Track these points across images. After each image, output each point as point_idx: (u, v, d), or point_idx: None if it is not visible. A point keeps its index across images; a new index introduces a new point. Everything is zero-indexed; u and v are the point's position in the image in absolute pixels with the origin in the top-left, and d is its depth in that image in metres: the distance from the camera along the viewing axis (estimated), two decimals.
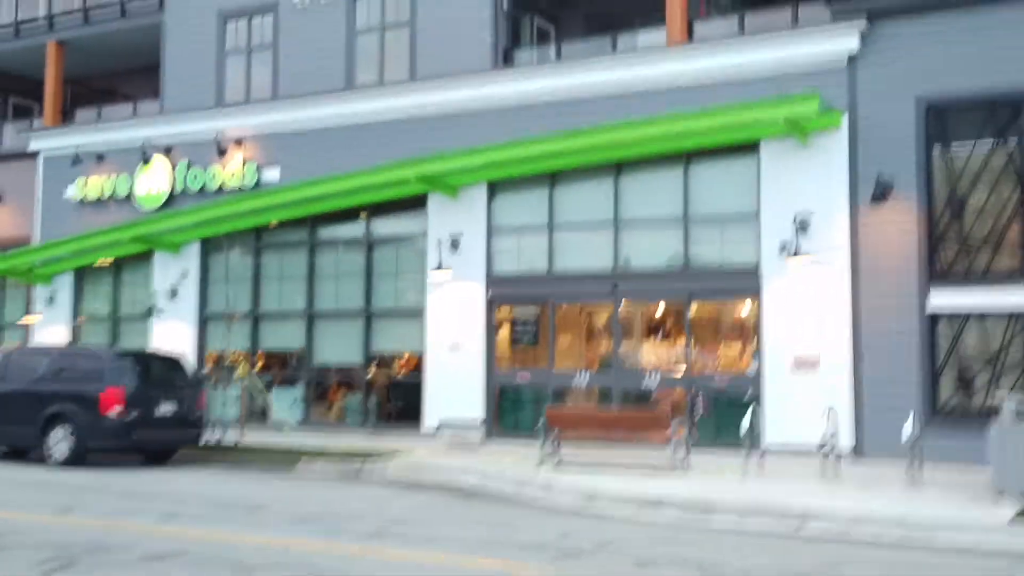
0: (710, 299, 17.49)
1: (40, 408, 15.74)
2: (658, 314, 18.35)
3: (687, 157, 17.35)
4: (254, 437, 18.45)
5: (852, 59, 16.19)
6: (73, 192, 23.34)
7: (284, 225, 21.02)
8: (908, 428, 13.18)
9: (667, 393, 17.39)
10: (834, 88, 16.23)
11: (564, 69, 18.35)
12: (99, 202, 22.99)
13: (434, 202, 19.31)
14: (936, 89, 15.64)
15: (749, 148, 16.88)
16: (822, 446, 13.67)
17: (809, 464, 14.15)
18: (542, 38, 20.77)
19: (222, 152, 21.35)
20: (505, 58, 19.49)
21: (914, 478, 12.90)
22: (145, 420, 15.66)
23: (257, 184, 20.92)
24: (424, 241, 19.39)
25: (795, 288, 16.31)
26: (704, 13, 18.86)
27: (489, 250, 18.89)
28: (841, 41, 16.22)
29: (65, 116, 25.15)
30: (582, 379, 18.06)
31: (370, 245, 20.25)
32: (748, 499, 11.59)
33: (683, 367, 17.27)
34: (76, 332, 23.46)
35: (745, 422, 13.68)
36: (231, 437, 18.09)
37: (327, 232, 20.79)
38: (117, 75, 26.37)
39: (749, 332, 17.08)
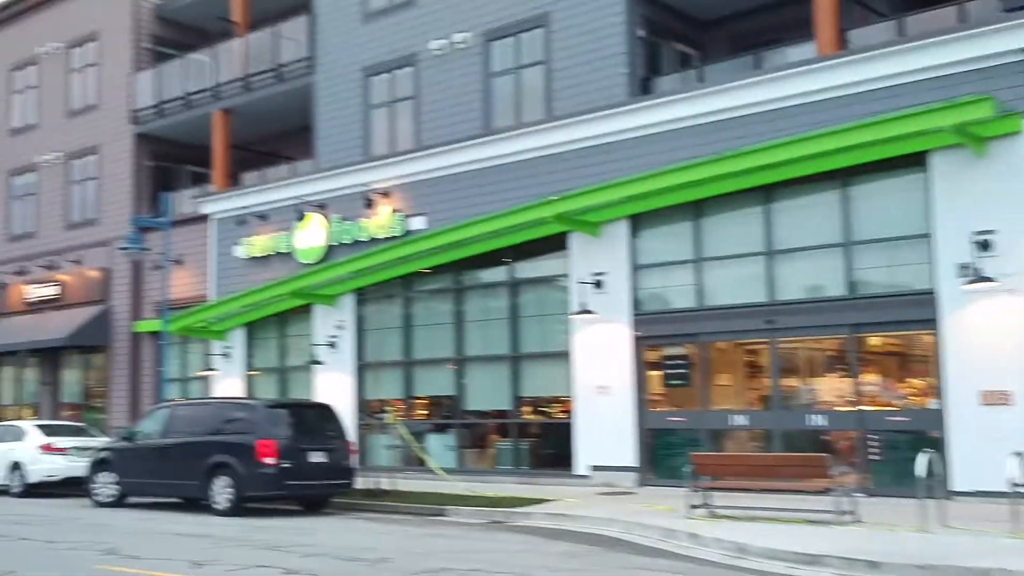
0: (879, 330, 15.53)
1: (203, 459, 15.76)
2: (821, 348, 16.53)
3: (845, 175, 15.61)
4: (409, 484, 17.84)
5: None
6: (241, 251, 23.81)
7: (431, 272, 20.53)
8: None
9: (839, 434, 15.57)
10: (1013, 90, 14.17)
11: (705, 92, 16.98)
12: (264, 259, 23.25)
13: (575, 241, 18.28)
14: None
15: (916, 162, 14.94)
16: (1014, 491, 11.57)
17: (1001, 513, 12.04)
18: (684, 64, 19.53)
19: (369, 205, 21.18)
20: (644, 88, 18.37)
21: None
22: (297, 469, 15.39)
23: (404, 233, 20.56)
24: (568, 281, 18.40)
25: (979, 314, 14.18)
26: (859, 20, 17.12)
27: (634, 288, 17.63)
28: (1018, 36, 14.18)
29: (234, 180, 25.83)
30: (740, 420, 16.46)
31: (515, 288, 19.40)
32: (922, 555, 9.77)
33: (851, 405, 15.39)
34: (249, 384, 23.82)
35: (920, 465, 11.78)
36: (385, 483, 17.51)
37: (472, 277, 20.07)
38: (279, 137, 26.86)
39: (927, 365, 15.03)
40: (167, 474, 16.46)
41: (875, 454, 14.93)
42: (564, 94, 18.92)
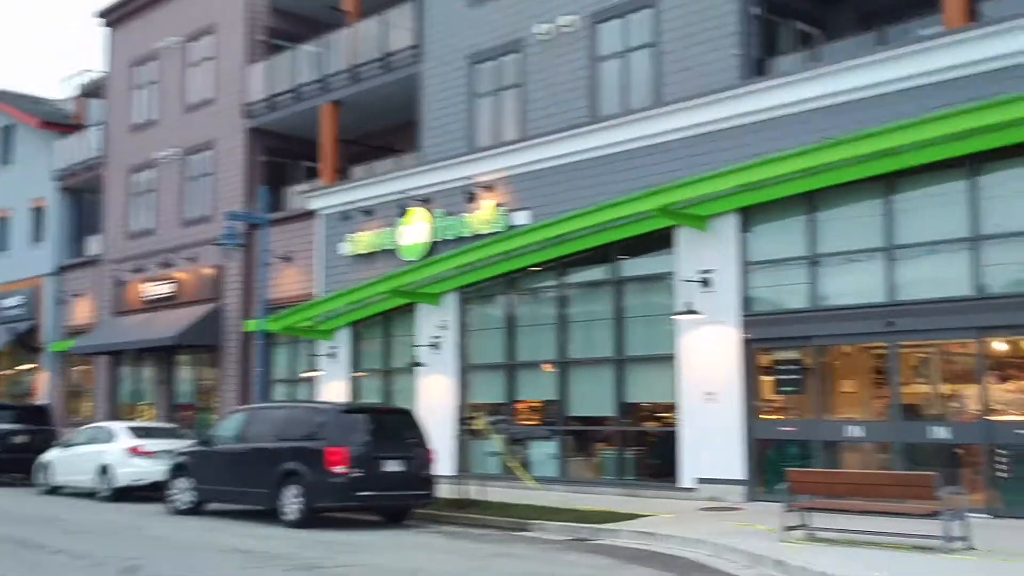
0: (1011, 333, 15.05)
1: (274, 466, 16.09)
2: (947, 352, 16.15)
3: (974, 162, 15.24)
4: (502, 493, 18.26)
5: None
6: (347, 248, 24.94)
7: (535, 270, 21.04)
8: None
9: (966, 448, 15.22)
10: None
11: (821, 73, 16.80)
12: (369, 256, 24.23)
13: (682, 237, 18.43)
14: None
15: None
16: None
17: None
18: (806, 45, 19.34)
19: (472, 199, 21.88)
20: (758, 70, 18.33)
21: None
22: (370, 479, 15.59)
23: (507, 229, 21.09)
24: (675, 280, 18.56)
25: None
26: None
27: (744, 287, 17.65)
28: None
29: (344, 175, 27.04)
30: (855, 432, 16.26)
31: (620, 287, 19.69)
32: None
33: (979, 416, 15.00)
34: (354, 386, 24.92)
35: None
36: (476, 493, 17.87)
37: (577, 275, 20.41)
38: (392, 131, 27.87)
39: None
40: (241, 481, 16.82)
41: (1003, 471, 14.51)
42: (674, 79, 19.06)
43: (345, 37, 26.23)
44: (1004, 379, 15.22)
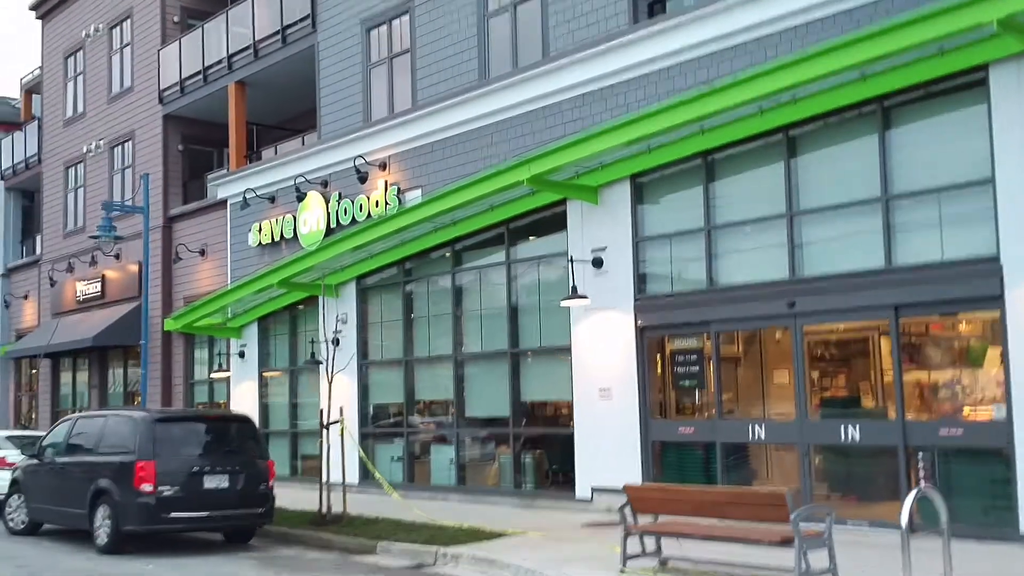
0: (926, 312, 12.22)
1: (88, 483, 13.85)
2: (856, 338, 13.38)
3: (884, 110, 12.41)
4: (384, 505, 15.92)
5: None
6: (252, 238, 22.53)
7: (432, 258, 18.47)
8: None
9: (888, 451, 12.43)
10: None
11: (719, 9, 13.93)
12: (274, 246, 21.91)
13: (573, 211, 15.75)
14: None
15: (973, 83, 11.63)
16: None
17: None
18: None
19: (365, 179, 19.34)
20: (651, 12, 15.57)
21: None
22: (187, 498, 13.24)
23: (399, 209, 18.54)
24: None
25: None
26: None
27: (636, 266, 14.94)
28: None
29: (252, 160, 24.60)
30: (759, 433, 13.46)
31: (514, 272, 17.06)
32: None
33: (894, 413, 12.19)
34: (262, 386, 22.56)
35: (906, 508, 8.63)
36: (339, 506, 15.19)
37: (472, 261, 17.73)
38: (309, 113, 25.48)
39: (990, 358, 11.70)
40: (61, 500, 14.69)
41: (923, 478, 11.70)
42: (560, 30, 16.30)
43: (245, 11, 23.69)
44: (925, 368, 12.39)
